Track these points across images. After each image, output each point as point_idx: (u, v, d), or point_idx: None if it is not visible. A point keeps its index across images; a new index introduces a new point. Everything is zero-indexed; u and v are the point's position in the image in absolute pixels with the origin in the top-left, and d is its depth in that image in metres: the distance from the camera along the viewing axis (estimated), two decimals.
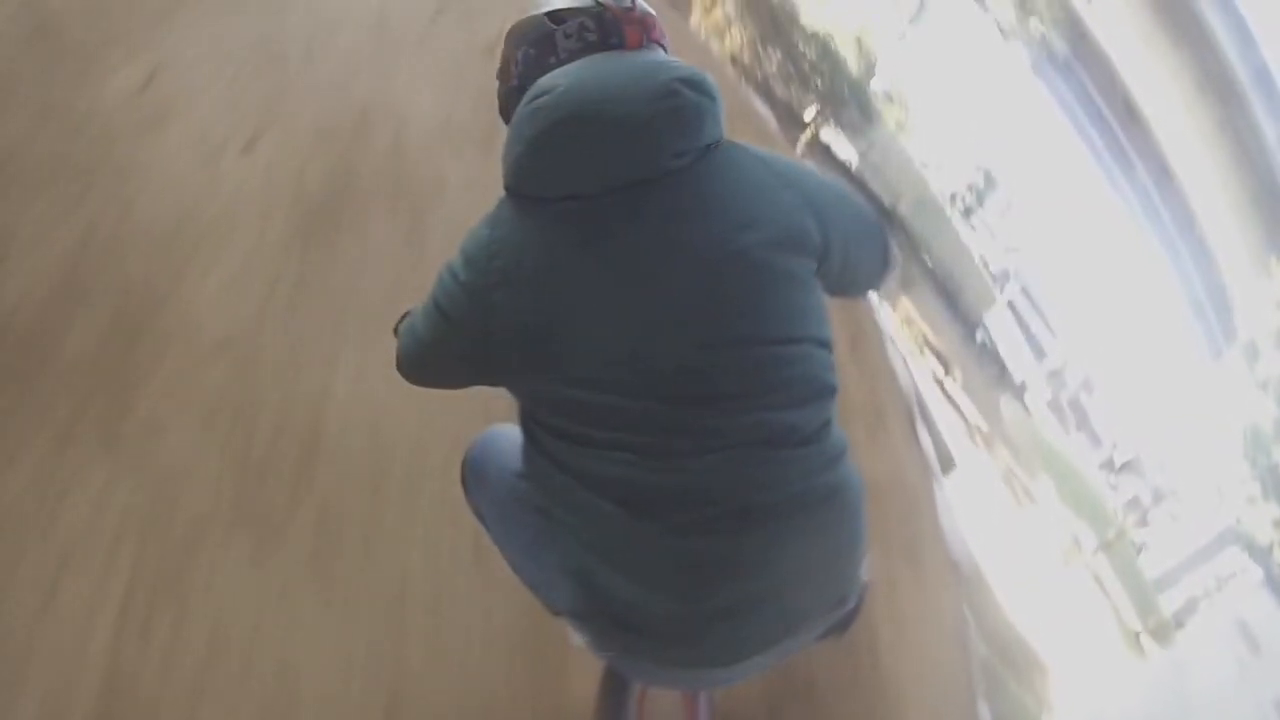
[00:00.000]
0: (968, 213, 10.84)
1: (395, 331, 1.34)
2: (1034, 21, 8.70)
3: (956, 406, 7.67)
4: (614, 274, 1.03)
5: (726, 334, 1.02)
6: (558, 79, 1.06)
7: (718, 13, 7.36)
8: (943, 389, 7.60)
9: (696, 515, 1.03)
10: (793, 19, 7.75)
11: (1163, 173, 11.17)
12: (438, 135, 3.27)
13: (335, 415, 2.30)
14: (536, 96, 1.05)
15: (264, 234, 2.63)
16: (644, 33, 1.15)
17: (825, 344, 1.11)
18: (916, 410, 4.29)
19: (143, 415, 2.15)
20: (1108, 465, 14.78)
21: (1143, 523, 13.39)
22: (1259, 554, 12.14)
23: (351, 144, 3.07)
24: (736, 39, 7.36)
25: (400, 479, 2.23)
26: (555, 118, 1.02)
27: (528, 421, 1.15)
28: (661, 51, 1.17)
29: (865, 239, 1.24)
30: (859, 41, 8.11)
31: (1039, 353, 13.26)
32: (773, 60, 7.52)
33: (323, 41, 3.54)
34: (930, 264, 9.44)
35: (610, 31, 1.12)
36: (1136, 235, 12.47)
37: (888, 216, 8.45)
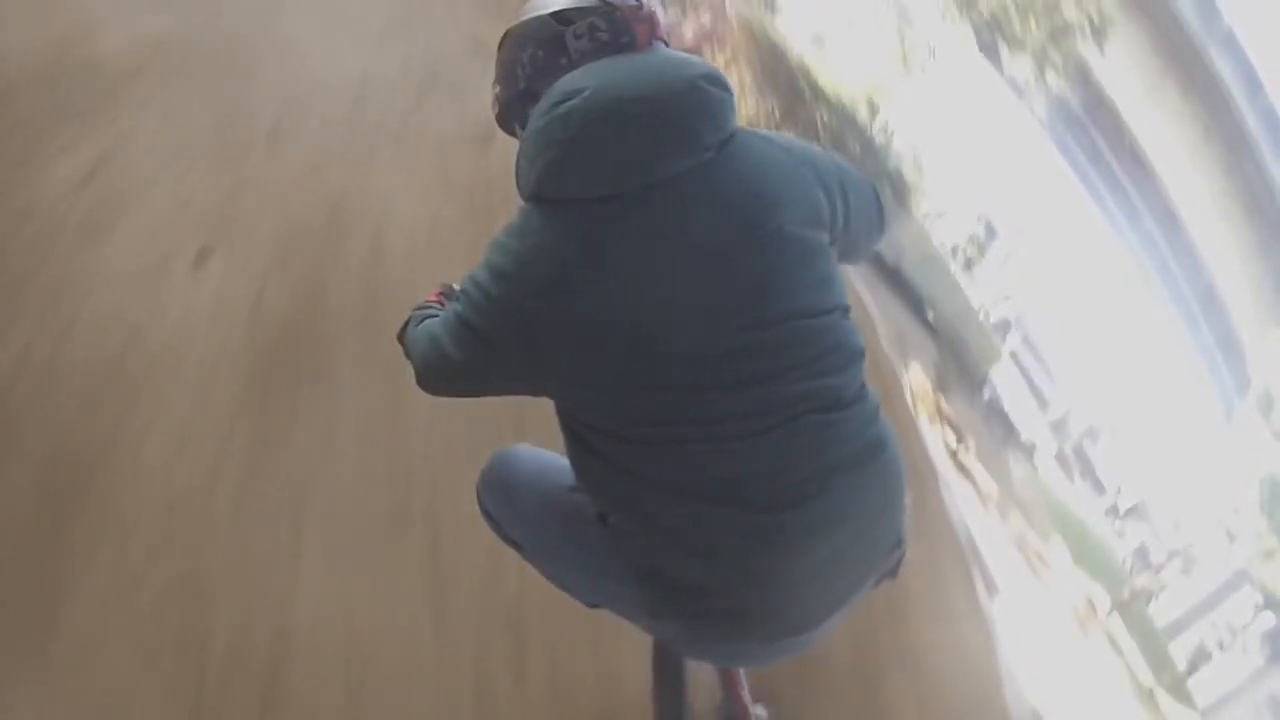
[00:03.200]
0: (969, 265, 10.65)
1: (401, 340, 1.34)
2: (1050, 74, 8.51)
3: (971, 478, 7.33)
4: (658, 269, 1.03)
5: (773, 311, 1.05)
6: (582, 81, 1.06)
7: (732, 80, 7.01)
8: (956, 461, 7.27)
9: (774, 489, 1.05)
10: (814, 86, 7.47)
11: (1170, 220, 10.96)
12: (422, 244, 2.76)
13: (301, 635, 1.80)
14: (563, 100, 1.05)
15: (214, 381, 2.16)
16: (652, 30, 1.16)
17: (848, 311, 1.15)
18: (972, 558, 3.89)
19: (74, 628, 1.70)
20: (1112, 511, 14.57)
21: (1154, 575, 13.13)
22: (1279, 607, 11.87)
23: (320, 255, 2.59)
24: (752, 106, 7.03)
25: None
26: (590, 120, 1.02)
27: (578, 430, 1.13)
28: (665, 48, 1.18)
29: (865, 207, 1.27)
30: (870, 101, 7.85)
31: (1042, 403, 13.02)
32: (787, 124, 7.24)
33: (292, 123, 3.08)
34: (934, 320, 9.13)
35: (621, 30, 1.13)
36: (1142, 282, 12.30)
37: (891, 275, 8.24)
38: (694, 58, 1.15)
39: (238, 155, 2.88)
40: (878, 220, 1.34)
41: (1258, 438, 11.32)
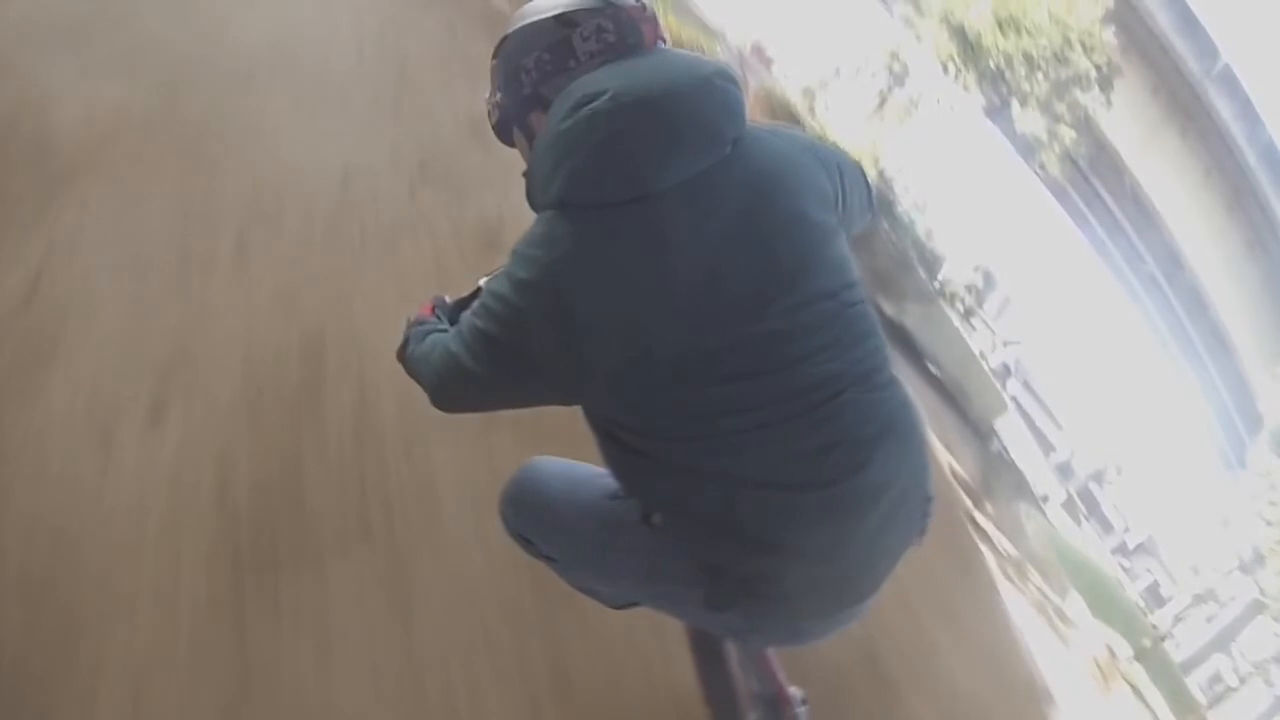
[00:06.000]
0: (968, 314, 10.55)
1: (401, 359, 1.32)
2: (1051, 122, 8.37)
3: (991, 543, 7.10)
4: (693, 265, 1.02)
5: (803, 295, 1.06)
6: (602, 82, 1.05)
7: None
8: (975, 525, 7.05)
9: (826, 465, 1.06)
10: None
11: (1173, 262, 10.87)
12: (419, 399, 2.22)
13: None
14: (586, 102, 1.03)
15: (173, 600, 1.69)
16: (655, 30, 1.16)
17: (861, 284, 1.16)
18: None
19: None
20: (1121, 549, 14.42)
21: (1169, 612, 12.96)
22: None
23: (297, 414, 2.11)
24: None
25: None
26: (616, 121, 1.02)
27: (615, 434, 1.11)
28: (668, 47, 1.17)
29: (859, 187, 1.30)
30: (876, 161, 7.66)
31: (1046, 447, 12.84)
32: None
33: (263, 229, 2.60)
34: (938, 374, 8.92)
35: (628, 31, 1.12)
36: (1145, 325, 12.21)
37: (893, 329, 8.08)
38: (702, 56, 1.16)
39: (199, 271, 2.42)
40: (868, 200, 1.37)
41: (1273, 476, 11.17)
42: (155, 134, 2.89)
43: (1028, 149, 8.70)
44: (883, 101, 8.86)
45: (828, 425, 1.07)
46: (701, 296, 1.03)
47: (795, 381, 1.06)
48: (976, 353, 11.05)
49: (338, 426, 2.11)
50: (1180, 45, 9.29)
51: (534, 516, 1.41)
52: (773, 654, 1.78)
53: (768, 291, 1.05)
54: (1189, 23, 9.45)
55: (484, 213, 2.94)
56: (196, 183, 2.79)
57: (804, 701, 1.76)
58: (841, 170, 1.23)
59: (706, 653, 1.75)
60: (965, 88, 8.44)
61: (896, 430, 1.14)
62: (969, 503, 7.23)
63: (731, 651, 1.77)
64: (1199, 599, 12.26)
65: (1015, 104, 8.24)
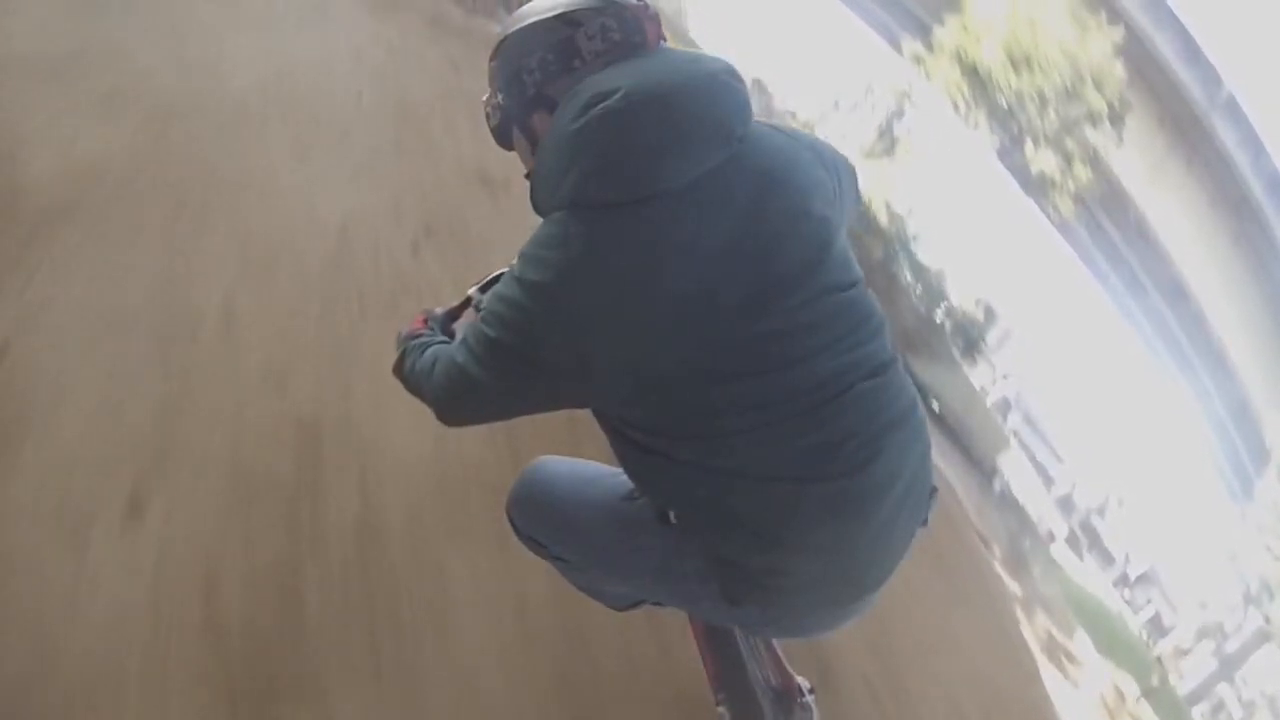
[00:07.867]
0: (969, 348, 10.48)
1: (399, 374, 1.30)
2: (1076, 166, 8.30)
3: (1003, 583, 7.03)
4: (704, 263, 1.01)
5: (812, 289, 1.06)
6: (612, 81, 1.03)
7: None
8: (988, 565, 6.98)
9: (838, 459, 1.06)
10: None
11: (1177, 293, 10.82)
12: (428, 485, 2.04)
13: None
14: (597, 101, 1.02)
15: (166, 712, 1.47)
16: (658, 28, 1.15)
17: (863, 279, 1.16)
18: None
19: None
20: (1122, 581, 14.32)
21: (1172, 643, 12.86)
22: None
23: (292, 512, 1.87)
24: None
25: None
26: (632, 119, 1.01)
27: (628, 434, 1.12)
28: (670, 46, 1.16)
29: (851, 181, 1.30)
30: (888, 205, 7.58)
31: (1047, 480, 12.73)
32: None
33: (252, 292, 2.35)
34: (939, 410, 8.82)
35: (632, 29, 1.12)
36: (1150, 357, 12.14)
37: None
38: (706, 53, 1.16)
39: (182, 340, 2.18)
40: (856, 197, 1.36)
41: None
42: (139, 179, 2.70)
43: (1039, 188, 8.63)
44: (881, 134, 8.81)
45: (833, 421, 1.06)
46: (705, 296, 1.01)
47: (799, 379, 1.05)
48: (977, 388, 10.98)
49: (338, 529, 1.88)
50: (1185, 75, 9.26)
51: (543, 517, 1.41)
52: (777, 644, 1.79)
53: (772, 290, 1.04)
54: (1193, 52, 9.43)
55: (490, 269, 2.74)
56: (182, 234, 2.59)
57: (811, 691, 1.76)
58: (838, 168, 1.24)
59: (718, 648, 1.73)
60: (975, 125, 8.36)
61: (904, 422, 1.14)
62: (979, 541, 7.11)
63: (742, 644, 1.75)
64: (1204, 631, 12.16)
65: (1029, 142, 8.18)
